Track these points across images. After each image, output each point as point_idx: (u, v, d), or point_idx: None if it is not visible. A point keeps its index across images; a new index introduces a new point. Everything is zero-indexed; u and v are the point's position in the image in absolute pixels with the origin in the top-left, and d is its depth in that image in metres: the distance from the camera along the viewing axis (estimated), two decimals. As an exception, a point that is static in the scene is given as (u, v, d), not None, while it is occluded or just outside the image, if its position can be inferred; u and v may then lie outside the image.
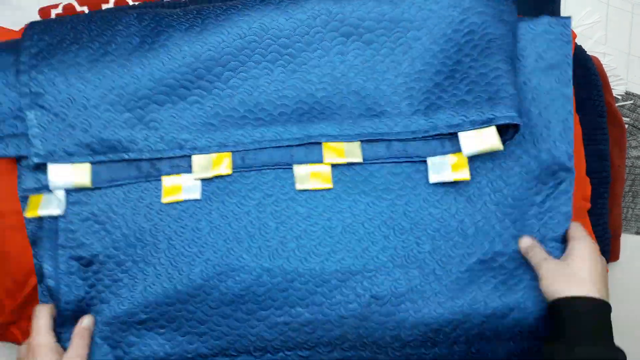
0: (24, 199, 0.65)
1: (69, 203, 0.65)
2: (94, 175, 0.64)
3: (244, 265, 0.64)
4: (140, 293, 0.65)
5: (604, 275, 0.58)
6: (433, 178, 0.65)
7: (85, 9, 0.81)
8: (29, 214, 0.64)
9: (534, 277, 0.64)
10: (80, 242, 0.65)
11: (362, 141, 0.65)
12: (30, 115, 0.63)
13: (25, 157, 0.65)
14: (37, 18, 0.81)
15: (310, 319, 0.65)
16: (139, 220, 0.65)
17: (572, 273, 0.58)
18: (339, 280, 0.65)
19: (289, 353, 0.67)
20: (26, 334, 0.70)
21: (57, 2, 0.81)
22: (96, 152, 0.64)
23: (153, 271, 0.65)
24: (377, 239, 0.65)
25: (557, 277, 0.58)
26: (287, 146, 0.65)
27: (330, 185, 0.65)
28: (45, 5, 0.81)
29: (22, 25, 0.76)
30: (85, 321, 0.64)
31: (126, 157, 0.64)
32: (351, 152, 0.65)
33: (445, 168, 0.64)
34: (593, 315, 0.55)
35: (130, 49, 0.64)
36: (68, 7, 0.81)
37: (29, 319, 0.68)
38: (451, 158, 0.65)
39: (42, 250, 0.65)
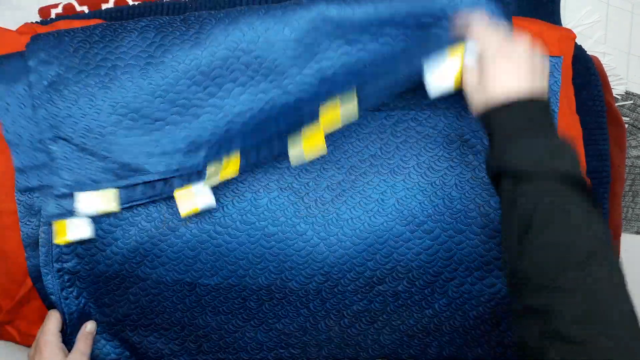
0: (48, 225, 0.65)
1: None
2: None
3: (245, 284, 0.66)
4: (147, 302, 0.68)
5: (503, 73, 0.54)
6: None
7: (85, 9, 0.81)
8: (59, 240, 0.64)
9: None
10: (77, 261, 0.66)
11: None
12: (54, 147, 0.64)
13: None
14: (37, 18, 0.81)
15: (302, 325, 0.68)
16: (149, 238, 0.66)
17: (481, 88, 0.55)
18: (327, 295, 0.67)
19: (282, 351, 0.69)
20: (23, 333, 0.70)
21: (57, 2, 0.81)
22: (119, 177, 0.65)
23: (160, 285, 0.67)
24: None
25: (473, 96, 0.56)
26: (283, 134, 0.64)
27: (324, 148, 0.63)
28: (45, 5, 0.81)
29: (21, 25, 0.76)
30: (89, 327, 0.68)
31: (147, 179, 0.65)
32: (347, 111, 0.62)
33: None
34: (505, 120, 0.53)
35: (137, 72, 0.65)
36: (68, 7, 0.81)
37: (25, 318, 0.69)
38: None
39: (39, 260, 0.66)
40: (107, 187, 0.64)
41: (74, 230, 0.64)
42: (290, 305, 0.67)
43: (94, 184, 0.64)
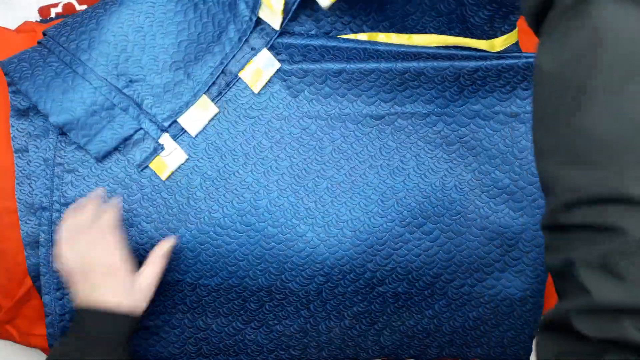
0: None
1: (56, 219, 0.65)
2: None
3: (245, 285, 0.66)
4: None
5: None
6: None
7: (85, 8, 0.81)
8: (166, 176, 0.65)
9: None
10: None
11: None
12: (131, 91, 0.64)
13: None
14: (37, 17, 0.81)
15: (302, 327, 0.68)
16: (149, 239, 0.65)
17: None
18: (327, 295, 0.67)
19: (282, 353, 0.69)
20: (23, 332, 0.70)
21: (56, 1, 0.81)
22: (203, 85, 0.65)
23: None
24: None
25: None
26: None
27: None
28: (44, 4, 0.81)
29: (21, 24, 0.76)
30: (166, 246, 0.62)
31: (213, 60, 0.65)
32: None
33: None
34: None
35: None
36: (68, 7, 0.81)
37: (25, 317, 0.69)
38: None
39: (38, 259, 0.65)
40: (198, 97, 0.65)
41: (171, 160, 0.65)
42: (291, 306, 0.67)
43: (186, 105, 0.65)
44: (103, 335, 0.54)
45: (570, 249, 0.32)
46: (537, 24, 0.37)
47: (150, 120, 0.65)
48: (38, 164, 0.65)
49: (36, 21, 0.80)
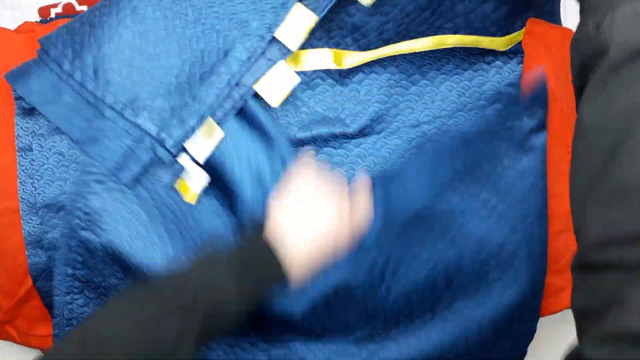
0: (173, 189, 0.64)
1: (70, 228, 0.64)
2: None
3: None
4: None
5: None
6: None
7: (85, 8, 0.81)
8: (191, 198, 0.64)
9: None
10: (87, 272, 0.65)
11: None
12: (141, 119, 0.63)
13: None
14: (37, 17, 0.81)
15: (304, 355, 0.66)
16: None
17: None
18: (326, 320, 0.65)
19: None
20: (22, 333, 0.69)
21: (56, 2, 0.81)
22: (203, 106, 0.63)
23: None
24: None
25: None
26: None
27: None
28: (44, 4, 0.81)
29: (20, 24, 0.76)
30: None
31: (219, 82, 0.64)
32: None
33: None
34: None
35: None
36: (67, 7, 0.81)
37: (25, 318, 0.68)
38: None
39: (40, 259, 0.65)
40: (203, 120, 0.63)
41: (194, 182, 0.63)
42: (292, 333, 0.65)
43: (192, 130, 0.62)
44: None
45: (607, 289, 0.32)
46: (581, 76, 0.38)
47: (161, 145, 0.63)
48: (41, 163, 0.65)
49: (36, 21, 0.80)
